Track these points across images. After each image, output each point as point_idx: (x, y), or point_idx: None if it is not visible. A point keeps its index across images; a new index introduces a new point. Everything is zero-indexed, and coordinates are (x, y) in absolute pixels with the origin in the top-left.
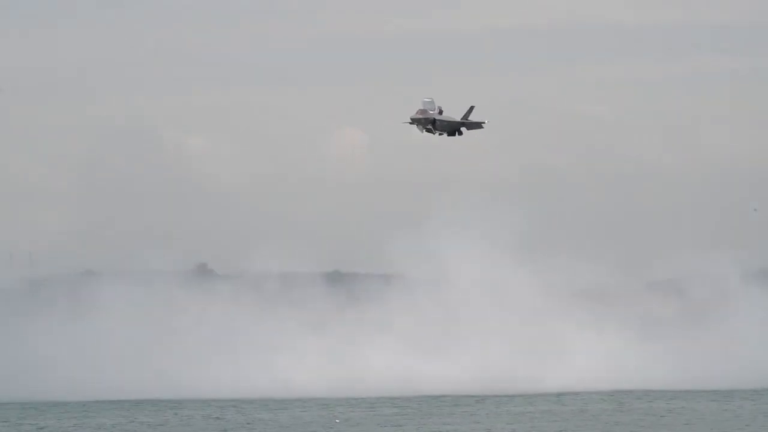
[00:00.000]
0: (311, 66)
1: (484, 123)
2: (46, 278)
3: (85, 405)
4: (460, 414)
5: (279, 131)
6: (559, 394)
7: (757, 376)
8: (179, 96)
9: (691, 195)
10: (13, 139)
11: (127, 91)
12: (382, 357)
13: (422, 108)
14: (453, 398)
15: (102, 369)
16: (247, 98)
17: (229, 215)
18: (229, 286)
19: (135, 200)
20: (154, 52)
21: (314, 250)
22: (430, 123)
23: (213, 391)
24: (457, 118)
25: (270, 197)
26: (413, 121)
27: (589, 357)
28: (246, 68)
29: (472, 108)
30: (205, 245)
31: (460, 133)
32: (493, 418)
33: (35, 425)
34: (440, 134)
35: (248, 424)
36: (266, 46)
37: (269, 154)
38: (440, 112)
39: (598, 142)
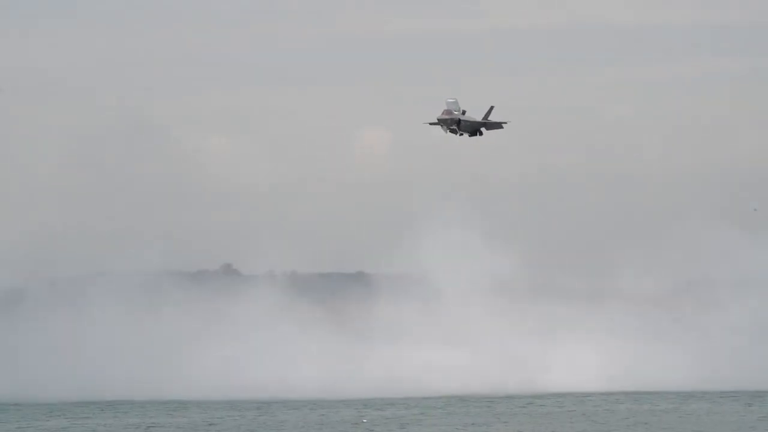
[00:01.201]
0: (326, 66)
1: (503, 123)
2: (60, 278)
3: (110, 405)
4: (475, 415)
5: (298, 132)
6: (560, 395)
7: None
8: (197, 97)
9: (691, 195)
10: (19, 140)
11: (150, 91)
12: (406, 357)
13: (447, 108)
14: (460, 398)
15: (128, 369)
16: (263, 99)
17: (250, 216)
18: (253, 286)
19: (152, 201)
20: (166, 52)
21: (338, 251)
22: (455, 123)
23: (239, 392)
24: (479, 118)
25: (290, 198)
26: (439, 121)
27: (589, 357)
28: (263, 69)
29: (491, 108)
30: (229, 246)
31: (480, 134)
32: (507, 418)
33: (59, 426)
34: (461, 134)
35: (274, 424)
36: (284, 46)
37: (288, 155)
38: (463, 113)
39: (598, 142)
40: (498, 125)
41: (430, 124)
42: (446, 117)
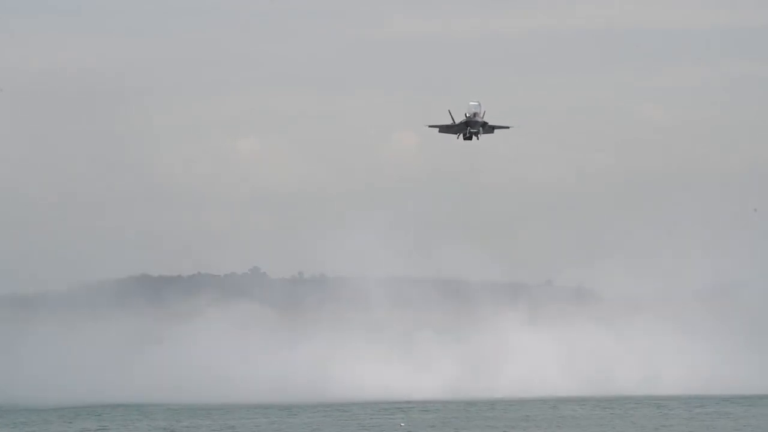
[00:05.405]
0: (355, 70)
1: (496, 127)
2: (96, 283)
3: (152, 408)
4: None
5: (328, 135)
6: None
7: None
8: (226, 99)
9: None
10: (37, 145)
11: (180, 92)
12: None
13: (475, 111)
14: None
15: (155, 372)
16: (292, 103)
17: (279, 219)
18: (280, 289)
19: (184, 205)
20: (196, 53)
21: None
22: (481, 126)
23: (264, 395)
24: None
25: (315, 201)
26: (468, 123)
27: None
28: (292, 72)
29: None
30: (258, 249)
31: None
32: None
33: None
34: (457, 137)
35: (306, 424)
36: (314, 49)
37: (317, 159)
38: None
39: (623, 142)
40: (492, 129)
41: (457, 124)
42: (477, 119)
